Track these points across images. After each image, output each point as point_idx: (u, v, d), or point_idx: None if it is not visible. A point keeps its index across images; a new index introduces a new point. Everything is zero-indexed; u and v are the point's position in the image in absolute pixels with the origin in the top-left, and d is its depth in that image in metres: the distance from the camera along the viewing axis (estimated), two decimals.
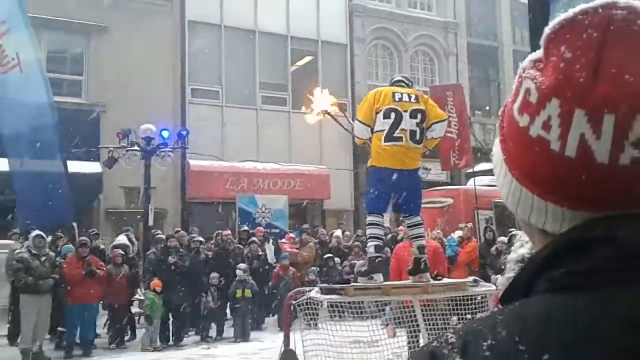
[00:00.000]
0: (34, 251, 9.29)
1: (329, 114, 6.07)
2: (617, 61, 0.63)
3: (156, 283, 10.09)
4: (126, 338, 10.51)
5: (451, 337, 0.65)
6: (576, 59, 0.65)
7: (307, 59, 19.21)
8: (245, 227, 13.24)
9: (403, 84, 5.53)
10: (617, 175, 0.64)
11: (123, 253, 10.51)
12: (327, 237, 13.51)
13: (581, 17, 0.67)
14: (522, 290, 0.68)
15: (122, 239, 11.45)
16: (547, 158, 0.67)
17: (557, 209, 0.68)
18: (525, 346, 0.60)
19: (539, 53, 0.71)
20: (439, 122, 5.35)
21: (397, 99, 5.20)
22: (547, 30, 0.69)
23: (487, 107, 22.53)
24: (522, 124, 0.69)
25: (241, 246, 12.09)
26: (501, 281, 1.89)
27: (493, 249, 11.20)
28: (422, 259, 5.39)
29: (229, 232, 12.21)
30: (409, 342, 5.66)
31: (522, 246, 1.78)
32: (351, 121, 6.32)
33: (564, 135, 0.65)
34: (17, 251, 9.55)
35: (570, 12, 0.68)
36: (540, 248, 0.70)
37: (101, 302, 10.24)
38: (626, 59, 0.63)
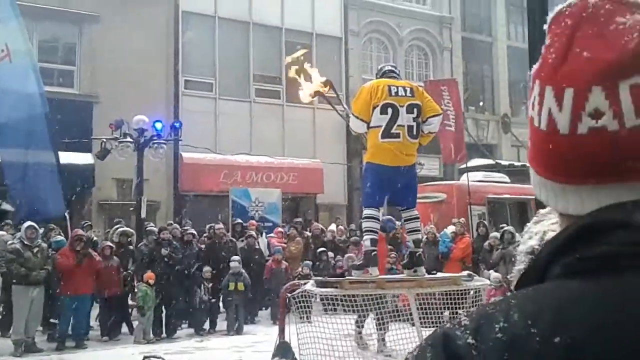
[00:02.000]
0: (26, 242, 9.24)
1: (322, 94, 5.95)
2: (582, 42, 0.69)
3: (149, 275, 10.06)
4: (123, 330, 10.48)
5: (464, 320, 0.67)
6: (552, 44, 0.72)
7: (302, 51, 19.10)
8: (239, 221, 13.20)
9: (395, 74, 5.49)
10: (577, 144, 0.68)
11: (112, 246, 10.47)
12: (319, 231, 13.50)
13: (565, 9, 0.73)
14: (537, 277, 0.70)
15: (122, 228, 11.46)
16: (537, 137, 0.73)
17: (555, 186, 0.72)
18: (537, 329, 0.61)
19: None
20: (435, 116, 5.34)
21: (393, 93, 5.15)
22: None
23: (481, 103, 22.57)
24: (529, 112, 0.75)
25: (234, 239, 12.07)
26: (514, 273, 1.89)
27: (486, 244, 11.25)
28: (417, 253, 5.40)
29: (221, 225, 12.17)
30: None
31: (531, 238, 1.78)
32: (345, 105, 6.25)
33: (539, 111, 0.72)
34: (10, 242, 9.50)
35: (560, 5, 0.75)
36: (554, 235, 0.71)
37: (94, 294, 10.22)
38: (590, 38, 0.69)
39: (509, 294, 0.71)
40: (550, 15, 0.74)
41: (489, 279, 9.03)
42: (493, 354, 0.62)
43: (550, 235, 0.89)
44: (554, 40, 0.72)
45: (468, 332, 0.64)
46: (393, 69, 5.64)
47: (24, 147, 10.57)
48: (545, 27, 0.75)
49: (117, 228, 11.52)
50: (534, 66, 0.74)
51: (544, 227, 1.19)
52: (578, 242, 0.66)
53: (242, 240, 12.08)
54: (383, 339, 6.74)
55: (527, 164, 0.77)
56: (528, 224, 1.81)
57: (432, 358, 0.66)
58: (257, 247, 11.99)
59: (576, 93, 0.68)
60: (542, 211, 1.19)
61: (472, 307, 5.56)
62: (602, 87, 0.66)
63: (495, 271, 9.92)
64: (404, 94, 5.20)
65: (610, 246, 0.64)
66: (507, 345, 0.61)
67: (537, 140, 0.72)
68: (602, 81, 0.66)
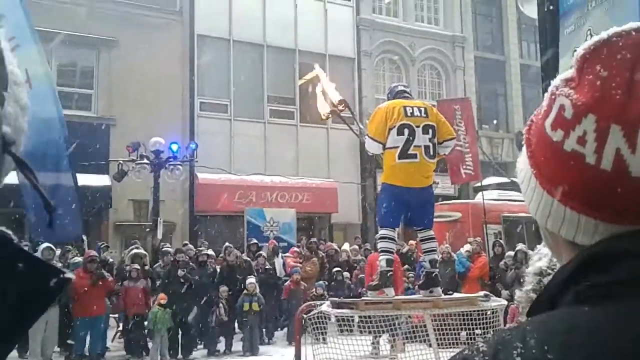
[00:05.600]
0: None
1: (338, 114, 5.97)
2: None
3: (161, 297, 10.09)
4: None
5: (482, 346, 0.67)
6: (612, 77, 0.68)
7: (314, 72, 19.26)
8: (255, 241, 13.20)
9: (407, 94, 5.51)
10: None
11: (138, 268, 10.55)
12: (333, 251, 13.47)
13: (615, 39, 0.71)
14: (549, 303, 0.71)
15: (137, 250, 11.51)
16: (581, 171, 0.69)
17: (589, 222, 0.70)
18: (554, 355, 0.62)
19: (570, 73, 0.74)
20: (451, 139, 5.37)
21: (409, 114, 5.16)
22: (581, 50, 0.73)
23: (495, 121, 22.53)
24: (556, 138, 0.72)
25: (249, 259, 12.07)
26: (520, 294, 1.89)
27: (502, 263, 11.14)
28: (434, 273, 5.37)
29: (236, 252, 12.05)
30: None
31: (540, 259, 1.79)
32: (360, 125, 6.26)
33: (599, 150, 0.68)
34: None
35: (604, 34, 0.72)
36: (567, 262, 0.73)
37: (116, 314, 10.30)
38: None
39: (520, 318, 0.73)
40: (593, 42, 0.72)
41: (510, 299, 8.94)
42: None
43: None
44: (613, 74, 0.69)
45: (487, 358, 0.65)
46: (405, 89, 5.65)
47: (43, 169, 10.72)
48: (582, 53, 0.72)
49: (132, 249, 11.59)
50: (574, 95, 0.71)
51: None
52: (590, 269, 0.68)
53: (256, 261, 12.06)
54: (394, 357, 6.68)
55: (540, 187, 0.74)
56: (538, 246, 1.82)
57: None
58: (267, 267, 11.96)
59: None
60: None
61: (490, 327, 5.50)
62: None
63: (514, 291, 9.81)
64: (419, 115, 5.21)
65: (623, 274, 0.65)
66: None
67: (588, 178, 0.69)
68: None
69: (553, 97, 0.74)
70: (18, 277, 0.69)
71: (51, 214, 0.81)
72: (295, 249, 13.53)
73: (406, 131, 5.10)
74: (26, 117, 0.75)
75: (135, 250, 11.40)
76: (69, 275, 0.74)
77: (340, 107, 5.86)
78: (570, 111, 0.70)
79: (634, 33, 0.71)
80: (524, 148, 0.79)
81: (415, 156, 5.09)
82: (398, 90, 5.56)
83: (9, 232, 0.72)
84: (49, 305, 0.75)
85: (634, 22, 0.73)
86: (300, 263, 12.53)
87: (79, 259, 10.49)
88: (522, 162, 0.79)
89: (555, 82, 0.75)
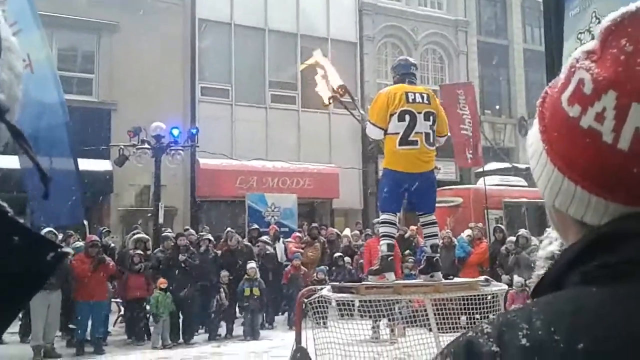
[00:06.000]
0: None
1: (339, 100, 5.92)
2: None
3: (161, 281, 10.13)
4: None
5: (487, 327, 0.66)
6: (637, 53, 0.65)
7: (315, 57, 19.15)
8: (256, 226, 13.21)
9: (413, 77, 5.40)
10: None
11: (141, 253, 10.57)
12: (334, 236, 13.49)
13: None
14: (555, 284, 0.69)
15: (139, 234, 11.54)
16: (597, 150, 0.66)
17: (600, 201, 0.68)
18: (560, 336, 0.61)
19: (592, 44, 0.70)
20: (443, 136, 5.38)
21: (410, 100, 5.12)
22: (606, 22, 0.69)
23: (497, 106, 22.43)
24: (573, 114, 0.69)
25: (250, 244, 12.10)
26: (531, 280, 1.89)
27: (503, 248, 11.15)
28: (435, 258, 5.37)
29: (237, 236, 12.06)
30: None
31: (551, 243, 1.76)
32: (361, 110, 6.21)
33: (618, 128, 0.65)
34: None
35: (633, 5, 0.68)
36: (572, 242, 0.71)
37: (117, 299, 10.36)
38: None
39: (528, 301, 0.71)
40: (619, 14, 0.68)
41: (510, 284, 8.96)
42: None
43: None
44: (638, 50, 0.65)
45: (492, 339, 0.64)
46: (411, 68, 5.45)
47: (44, 154, 10.72)
48: (607, 25, 0.68)
49: (134, 234, 11.62)
50: (596, 69, 0.67)
51: None
52: (597, 250, 0.66)
53: (257, 246, 12.09)
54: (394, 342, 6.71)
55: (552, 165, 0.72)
56: (547, 229, 1.79)
57: None
58: (268, 252, 11.99)
59: None
60: None
61: (490, 312, 5.51)
62: None
63: (511, 275, 9.85)
64: (421, 101, 5.18)
65: (631, 254, 0.64)
66: (532, 351, 0.61)
67: (603, 157, 0.66)
68: None
69: (572, 69, 0.70)
70: (14, 251, 0.67)
71: (46, 186, 0.79)
72: (297, 234, 13.56)
73: (407, 117, 5.07)
74: (21, 86, 0.74)
75: (137, 235, 11.44)
76: (67, 249, 0.72)
77: (341, 92, 5.82)
78: (590, 86, 0.67)
79: None
80: (536, 121, 0.75)
81: (416, 143, 5.07)
82: (404, 72, 5.38)
83: (4, 204, 0.70)
84: (46, 279, 0.73)
85: None
86: (303, 248, 12.56)
87: (80, 243, 10.52)
88: (533, 136, 0.75)
89: (576, 53, 0.72)
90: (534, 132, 0.75)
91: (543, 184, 0.74)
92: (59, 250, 0.71)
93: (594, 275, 0.65)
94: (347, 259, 12.21)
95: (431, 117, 5.17)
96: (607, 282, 0.64)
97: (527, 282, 8.47)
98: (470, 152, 14.35)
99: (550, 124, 0.72)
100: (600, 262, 0.65)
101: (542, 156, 0.73)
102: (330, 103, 6.12)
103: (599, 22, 0.71)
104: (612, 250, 0.65)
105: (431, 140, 5.17)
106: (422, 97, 5.21)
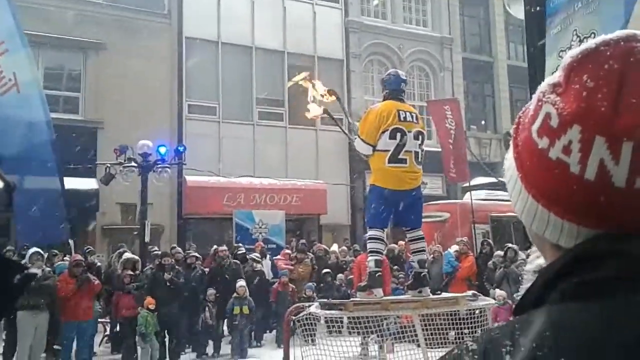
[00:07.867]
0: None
1: (329, 114, 5.92)
2: (636, 91, 0.67)
3: (149, 301, 10.02)
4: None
5: (471, 345, 0.68)
6: (598, 88, 0.68)
7: (303, 74, 19.25)
8: (242, 248, 12.82)
9: (402, 94, 5.41)
10: (633, 198, 0.67)
11: (131, 274, 10.45)
12: (323, 252, 13.45)
13: (603, 48, 0.70)
14: (535, 301, 0.71)
15: (128, 255, 11.39)
16: (566, 180, 0.70)
17: (572, 227, 0.71)
18: (542, 352, 0.62)
19: (557, 77, 0.73)
20: None
21: (402, 118, 5.17)
22: (568, 57, 0.73)
23: (483, 122, 22.65)
24: (541, 145, 0.72)
25: (238, 261, 12.01)
26: (520, 292, 1.91)
27: (490, 263, 11.19)
28: (422, 273, 5.38)
29: (224, 248, 12.08)
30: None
31: (539, 257, 1.79)
32: (350, 119, 6.22)
33: (584, 160, 0.69)
34: None
35: (592, 42, 0.72)
36: (552, 261, 0.73)
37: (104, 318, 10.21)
38: None
39: (511, 318, 0.73)
40: (579, 51, 0.72)
41: (494, 298, 8.98)
42: None
43: None
44: (599, 85, 0.68)
45: (476, 357, 0.66)
46: (402, 85, 5.43)
47: (30, 174, 10.65)
48: (569, 61, 0.72)
49: (120, 253, 11.47)
50: (560, 103, 0.71)
51: None
52: (575, 268, 0.69)
53: (244, 266, 11.96)
54: (383, 358, 6.68)
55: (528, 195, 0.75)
56: (533, 247, 1.82)
57: None
58: (256, 269, 11.91)
59: (636, 147, 0.66)
60: None
61: (478, 326, 5.52)
62: None
63: (500, 289, 9.86)
64: (411, 120, 5.24)
65: (608, 271, 0.66)
66: None
67: (572, 187, 0.69)
68: None
69: (540, 103, 0.74)
70: None
71: (11, 195, 0.79)
72: (287, 250, 13.49)
73: (398, 135, 5.11)
74: None
75: (127, 255, 11.26)
76: (33, 270, 0.73)
77: (331, 97, 5.80)
78: (556, 120, 0.71)
79: (622, 43, 0.70)
80: (511, 147, 0.79)
81: (405, 161, 5.11)
82: (394, 89, 5.39)
83: None
84: (15, 301, 0.74)
85: (621, 25, 0.72)
86: (293, 265, 12.50)
87: (64, 263, 10.39)
88: (509, 162, 0.79)
89: (542, 86, 0.75)
90: (510, 157, 0.79)
91: (520, 210, 0.78)
92: (25, 271, 0.71)
93: (575, 292, 0.67)
94: (340, 275, 12.18)
95: (420, 137, 5.24)
96: (587, 299, 0.66)
97: (515, 295, 8.49)
98: (458, 166, 14.46)
99: (523, 151, 0.76)
100: (579, 280, 0.68)
101: (518, 183, 0.77)
102: (318, 117, 6.13)
103: (580, 40, 0.74)
104: (590, 269, 0.68)
105: (419, 159, 5.23)
106: (412, 116, 5.27)
